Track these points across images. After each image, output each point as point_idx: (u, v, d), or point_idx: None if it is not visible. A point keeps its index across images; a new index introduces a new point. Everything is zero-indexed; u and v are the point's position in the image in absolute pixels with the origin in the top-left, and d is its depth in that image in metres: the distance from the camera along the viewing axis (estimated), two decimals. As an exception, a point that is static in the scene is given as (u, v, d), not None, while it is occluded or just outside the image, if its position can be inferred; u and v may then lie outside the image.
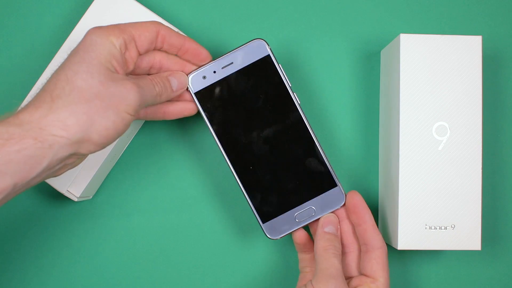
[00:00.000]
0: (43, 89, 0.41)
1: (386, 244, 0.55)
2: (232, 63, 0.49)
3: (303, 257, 0.51)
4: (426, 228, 0.50)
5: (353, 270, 0.49)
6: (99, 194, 0.56)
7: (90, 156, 0.50)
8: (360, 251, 0.49)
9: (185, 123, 0.57)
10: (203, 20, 0.57)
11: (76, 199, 0.51)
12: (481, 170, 0.50)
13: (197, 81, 0.49)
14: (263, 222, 0.48)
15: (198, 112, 0.50)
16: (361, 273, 0.49)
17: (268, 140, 0.49)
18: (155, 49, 0.47)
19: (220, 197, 0.56)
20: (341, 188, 0.50)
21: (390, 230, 0.52)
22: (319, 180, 0.50)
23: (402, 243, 0.50)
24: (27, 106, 0.40)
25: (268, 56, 0.49)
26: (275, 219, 0.49)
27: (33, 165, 0.38)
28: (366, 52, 0.57)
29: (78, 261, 0.56)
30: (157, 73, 0.47)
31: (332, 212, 0.50)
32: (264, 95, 0.49)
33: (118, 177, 0.56)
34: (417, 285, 0.56)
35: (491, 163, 0.57)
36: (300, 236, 0.50)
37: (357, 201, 0.48)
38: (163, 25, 0.46)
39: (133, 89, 0.42)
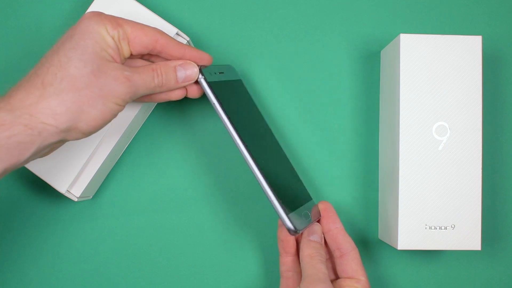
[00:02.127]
0: (35, 73, 0.41)
1: (386, 244, 0.55)
2: (223, 73, 0.50)
3: (286, 261, 0.51)
4: (426, 228, 0.50)
5: (331, 275, 0.50)
6: (99, 194, 0.56)
7: (90, 156, 0.50)
8: (332, 257, 0.50)
9: (185, 123, 0.57)
10: (203, 20, 0.57)
11: (76, 199, 0.51)
12: (481, 170, 0.50)
13: (208, 74, 0.48)
14: (287, 213, 0.47)
15: (209, 104, 0.48)
16: (342, 277, 0.49)
17: (267, 144, 0.50)
18: (150, 54, 0.46)
19: (220, 198, 0.56)
20: (314, 201, 0.52)
21: (390, 230, 0.52)
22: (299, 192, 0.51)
23: (402, 243, 0.50)
24: (18, 90, 0.40)
25: (240, 80, 0.52)
26: (293, 212, 0.48)
27: (22, 151, 0.39)
28: (366, 52, 0.57)
29: (78, 261, 0.56)
30: (156, 54, 0.46)
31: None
32: (253, 108, 0.52)
33: (118, 177, 0.56)
34: (417, 285, 0.56)
35: (491, 163, 0.57)
36: (282, 231, 0.50)
37: (328, 205, 0.50)
38: (164, 34, 0.45)
39: (124, 83, 0.42)
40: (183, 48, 0.46)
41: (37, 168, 0.49)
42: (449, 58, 0.50)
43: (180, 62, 0.46)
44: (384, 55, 0.56)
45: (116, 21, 0.43)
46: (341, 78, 0.57)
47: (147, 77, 0.44)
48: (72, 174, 0.50)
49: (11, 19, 0.57)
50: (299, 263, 0.51)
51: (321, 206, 0.50)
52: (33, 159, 0.42)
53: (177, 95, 0.48)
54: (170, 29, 0.51)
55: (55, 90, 0.40)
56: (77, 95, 0.40)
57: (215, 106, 0.47)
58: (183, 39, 0.51)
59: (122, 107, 0.43)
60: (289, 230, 0.47)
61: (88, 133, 0.42)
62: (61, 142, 0.43)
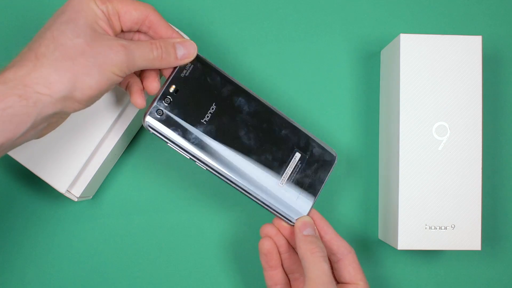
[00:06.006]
0: (28, 48, 0.40)
1: (386, 244, 0.55)
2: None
3: (271, 275, 0.49)
4: (426, 228, 0.50)
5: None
6: (99, 194, 0.56)
7: (90, 156, 0.50)
8: (330, 262, 0.49)
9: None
10: (203, 20, 0.57)
11: (76, 199, 0.51)
12: (481, 170, 0.50)
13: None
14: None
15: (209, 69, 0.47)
16: (340, 282, 0.48)
17: None
18: (139, 31, 0.46)
19: (220, 197, 0.56)
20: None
21: (390, 230, 0.52)
22: None
23: (402, 243, 0.50)
24: (12, 65, 0.40)
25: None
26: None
27: (18, 124, 0.38)
28: (366, 52, 0.57)
29: (78, 261, 0.56)
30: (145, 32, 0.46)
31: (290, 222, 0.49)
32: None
33: (118, 177, 0.56)
34: (417, 285, 0.56)
35: (491, 163, 0.57)
36: (266, 245, 0.48)
37: (313, 214, 0.49)
38: (155, 11, 0.45)
39: (120, 50, 0.41)
40: (171, 30, 0.46)
41: (37, 168, 0.49)
42: (449, 58, 0.50)
43: (178, 39, 0.46)
44: (384, 55, 0.56)
45: None
46: (341, 78, 0.57)
47: (145, 48, 0.43)
48: (72, 174, 0.50)
49: (11, 19, 0.57)
50: (286, 275, 0.50)
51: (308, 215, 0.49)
52: (31, 138, 0.41)
53: (139, 102, 0.46)
54: (170, 29, 0.51)
55: (48, 60, 0.39)
56: (71, 63, 0.40)
57: (217, 71, 0.48)
58: (183, 39, 0.51)
59: (119, 77, 0.42)
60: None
61: (85, 103, 0.41)
62: (59, 116, 0.42)
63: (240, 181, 0.47)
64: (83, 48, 0.40)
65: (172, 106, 0.46)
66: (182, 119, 0.46)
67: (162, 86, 0.46)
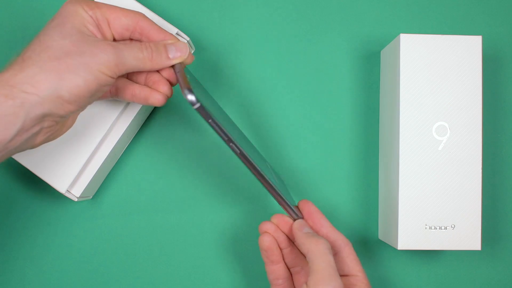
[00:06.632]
0: (18, 54, 0.41)
1: (386, 244, 0.55)
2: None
3: (273, 269, 0.49)
4: (426, 228, 0.50)
5: None
6: (99, 194, 0.56)
7: (90, 156, 0.50)
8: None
9: (185, 122, 0.57)
10: (203, 20, 0.57)
11: (76, 199, 0.51)
12: (481, 170, 0.50)
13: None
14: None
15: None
16: (339, 274, 0.47)
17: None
18: (131, 38, 0.46)
19: (220, 197, 0.56)
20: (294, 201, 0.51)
21: (390, 230, 0.52)
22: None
23: (402, 243, 0.50)
24: (1, 70, 0.40)
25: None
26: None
27: (7, 125, 0.38)
28: (366, 52, 0.57)
29: (78, 261, 0.56)
30: (138, 38, 0.46)
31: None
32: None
33: (118, 177, 0.56)
34: (417, 285, 0.56)
35: (491, 163, 0.57)
36: (265, 241, 0.48)
37: (310, 207, 0.48)
38: (146, 17, 0.45)
39: (107, 49, 0.41)
40: (163, 34, 0.46)
41: (37, 168, 0.49)
42: (449, 58, 0.50)
43: (170, 41, 0.46)
44: (384, 55, 0.56)
45: (93, 3, 0.43)
46: (341, 78, 0.57)
47: (134, 47, 0.43)
48: (72, 174, 0.50)
49: (11, 19, 0.57)
50: (288, 269, 0.50)
51: (302, 208, 0.49)
52: (25, 145, 0.41)
53: (155, 99, 0.46)
54: (170, 29, 0.51)
55: (34, 61, 0.40)
56: (57, 63, 0.40)
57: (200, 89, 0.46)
58: (183, 39, 0.51)
59: (109, 77, 0.42)
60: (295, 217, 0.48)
61: (74, 103, 0.41)
62: (49, 119, 0.41)
63: (261, 170, 0.45)
64: (69, 49, 0.41)
65: (196, 91, 0.42)
66: (209, 104, 0.43)
67: (179, 74, 0.44)
